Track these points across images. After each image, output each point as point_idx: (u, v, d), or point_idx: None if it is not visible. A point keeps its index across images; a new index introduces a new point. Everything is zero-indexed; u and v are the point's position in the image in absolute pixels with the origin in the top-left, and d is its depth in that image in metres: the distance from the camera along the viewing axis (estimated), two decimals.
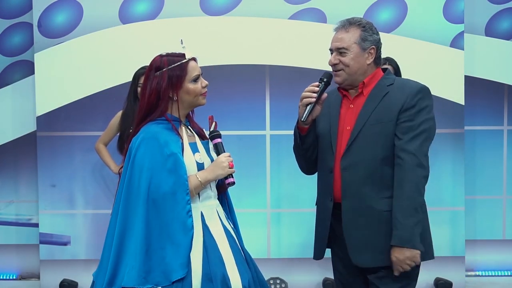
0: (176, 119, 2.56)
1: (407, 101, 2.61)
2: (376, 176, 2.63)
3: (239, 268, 2.51)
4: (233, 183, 2.55)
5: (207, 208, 2.55)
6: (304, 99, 2.64)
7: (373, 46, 2.68)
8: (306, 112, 2.64)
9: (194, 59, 2.57)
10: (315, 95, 2.63)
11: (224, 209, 2.68)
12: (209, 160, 2.58)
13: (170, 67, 2.51)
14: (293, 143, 2.84)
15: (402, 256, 2.57)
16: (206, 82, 2.57)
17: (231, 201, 2.74)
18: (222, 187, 2.67)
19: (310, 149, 2.79)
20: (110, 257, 2.44)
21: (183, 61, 2.53)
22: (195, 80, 2.54)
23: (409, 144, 2.58)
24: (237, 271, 2.49)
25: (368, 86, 2.70)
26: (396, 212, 2.57)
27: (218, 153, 2.59)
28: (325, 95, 2.67)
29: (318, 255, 2.83)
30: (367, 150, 2.63)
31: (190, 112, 2.64)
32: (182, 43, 2.57)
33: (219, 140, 2.61)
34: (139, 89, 4.10)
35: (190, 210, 2.43)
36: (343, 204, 2.66)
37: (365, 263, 2.67)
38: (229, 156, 2.55)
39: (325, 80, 2.66)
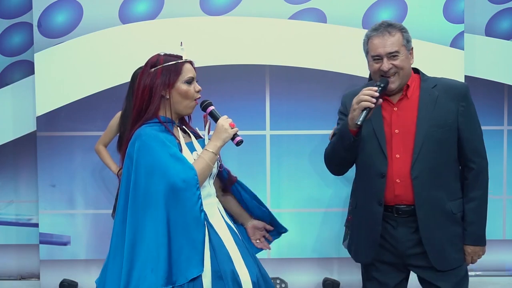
0: (169, 121, 2.55)
1: (460, 104, 2.74)
2: (443, 181, 2.73)
3: (246, 263, 2.52)
4: (242, 141, 2.56)
5: (208, 206, 2.54)
6: (363, 103, 2.60)
7: (412, 47, 2.77)
8: (363, 116, 2.61)
9: (190, 62, 2.58)
10: (374, 100, 2.61)
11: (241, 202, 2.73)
12: None
13: (165, 64, 2.51)
14: (326, 144, 2.90)
15: (475, 252, 2.78)
16: (199, 88, 2.57)
17: (249, 189, 2.77)
18: (229, 180, 2.68)
19: (353, 152, 2.78)
20: (124, 262, 2.39)
21: (179, 61, 2.54)
22: (189, 82, 2.53)
23: (478, 146, 2.76)
24: (245, 266, 2.50)
25: (410, 87, 2.76)
26: (472, 213, 2.75)
27: (216, 120, 2.58)
28: (380, 100, 2.67)
29: (366, 258, 2.86)
30: (432, 156, 2.70)
31: (187, 118, 2.64)
32: (181, 45, 2.58)
33: (212, 107, 2.60)
34: None
35: (201, 205, 2.42)
36: (418, 211, 2.72)
37: (446, 266, 2.75)
38: (227, 118, 2.55)
39: (382, 85, 2.67)
